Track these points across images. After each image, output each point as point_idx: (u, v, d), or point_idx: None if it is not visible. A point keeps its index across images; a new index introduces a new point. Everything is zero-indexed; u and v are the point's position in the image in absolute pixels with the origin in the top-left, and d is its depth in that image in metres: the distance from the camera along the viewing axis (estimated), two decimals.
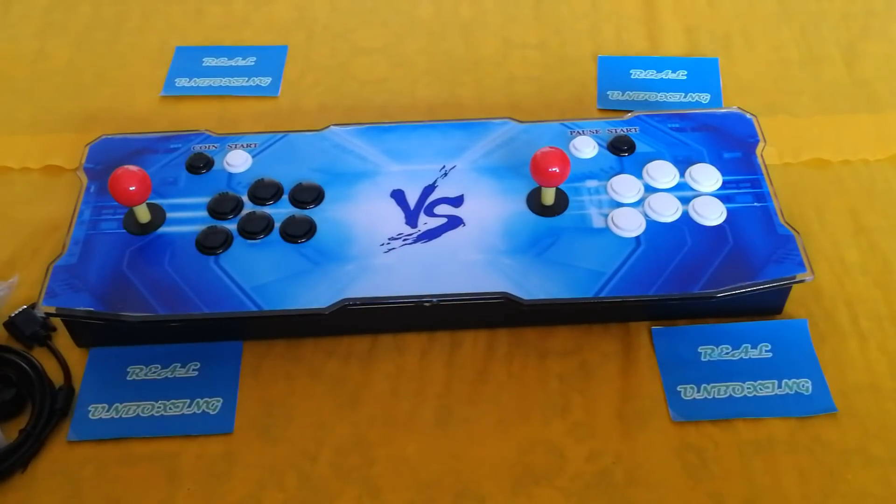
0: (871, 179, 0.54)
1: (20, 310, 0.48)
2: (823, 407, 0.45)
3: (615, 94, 0.59)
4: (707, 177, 0.49)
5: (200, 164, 0.51)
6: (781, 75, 0.60)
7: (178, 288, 0.46)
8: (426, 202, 0.49)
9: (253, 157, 0.51)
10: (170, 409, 0.46)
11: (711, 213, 0.48)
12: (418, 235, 0.48)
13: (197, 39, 0.63)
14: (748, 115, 0.53)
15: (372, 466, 0.44)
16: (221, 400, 0.46)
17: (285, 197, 0.50)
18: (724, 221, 0.48)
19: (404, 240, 0.48)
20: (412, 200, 0.49)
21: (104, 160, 0.51)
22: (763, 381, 0.46)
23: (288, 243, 0.48)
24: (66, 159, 0.56)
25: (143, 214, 0.48)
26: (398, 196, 0.49)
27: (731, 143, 0.51)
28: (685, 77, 0.60)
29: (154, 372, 0.47)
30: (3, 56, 0.63)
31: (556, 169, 0.46)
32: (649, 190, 0.49)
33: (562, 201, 0.49)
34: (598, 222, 0.48)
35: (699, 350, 0.47)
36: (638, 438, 0.44)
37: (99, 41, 0.64)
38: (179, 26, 0.64)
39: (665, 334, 0.47)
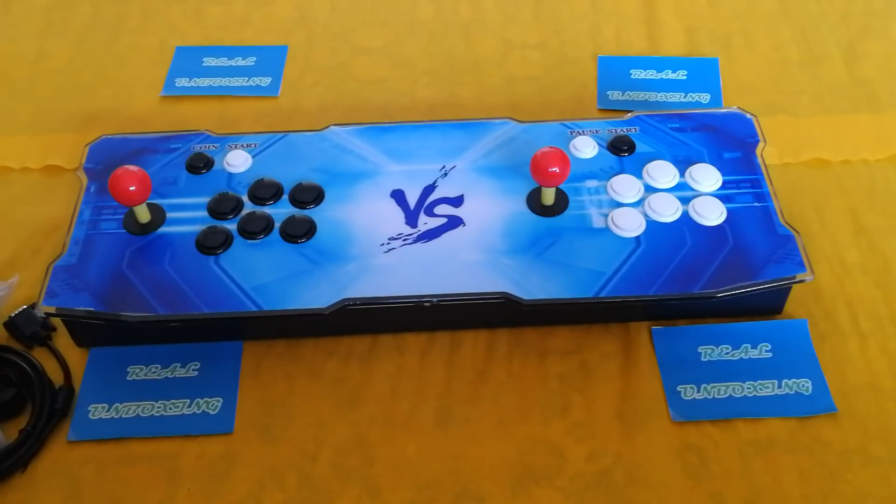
0: (871, 179, 0.54)
1: (20, 310, 0.48)
2: (823, 407, 0.45)
3: (615, 94, 0.59)
4: (707, 177, 0.49)
5: (200, 164, 0.51)
6: (781, 75, 0.60)
7: (178, 288, 0.46)
8: (426, 202, 0.49)
9: (253, 157, 0.51)
10: (170, 409, 0.46)
11: (711, 213, 0.48)
12: (418, 235, 0.48)
13: (197, 39, 0.63)
14: (748, 115, 0.53)
15: (372, 466, 0.44)
16: (221, 400, 0.46)
17: (285, 197, 0.50)
18: (724, 221, 0.48)
19: (404, 240, 0.48)
20: (412, 200, 0.49)
21: (104, 160, 0.51)
22: (763, 381, 0.46)
23: (288, 243, 0.48)
24: (66, 159, 0.56)
25: (143, 214, 0.48)
26: (398, 196, 0.49)
27: (731, 143, 0.51)
28: (685, 77, 0.60)
29: (154, 372, 0.47)
30: (3, 56, 0.63)
31: (556, 169, 0.46)
32: (649, 190, 0.49)
33: (562, 201, 0.49)
34: (598, 222, 0.48)
35: (699, 350, 0.47)
36: (638, 438, 0.44)
37: (99, 41, 0.64)
38: (179, 26, 0.64)
39: (665, 334, 0.47)
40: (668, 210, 0.48)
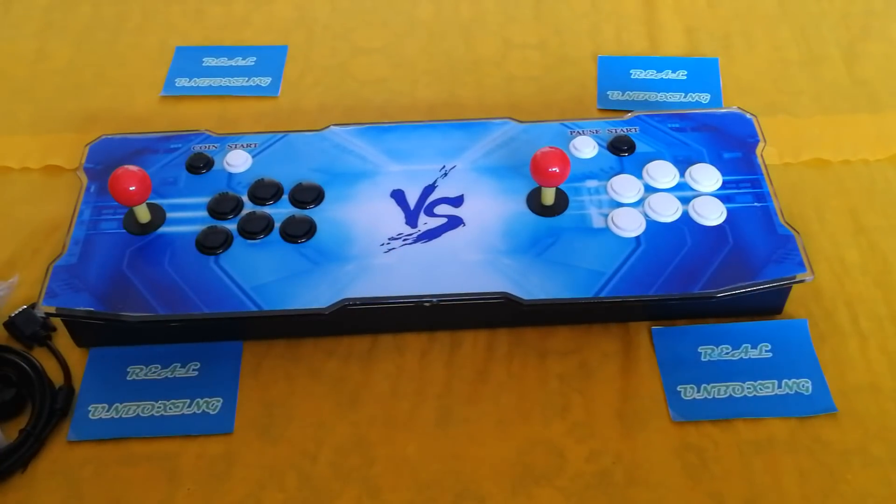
0: (871, 179, 0.54)
1: (20, 310, 0.48)
2: (823, 407, 0.45)
3: (615, 94, 0.59)
4: (707, 177, 0.49)
5: (200, 164, 0.51)
6: (781, 75, 0.60)
7: (178, 288, 0.46)
8: (426, 202, 0.49)
9: (253, 157, 0.51)
10: (170, 409, 0.46)
11: (711, 213, 0.48)
12: (418, 235, 0.48)
13: (197, 39, 0.63)
14: (748, 115, 0.53)
15: (372, 466, 0.44)
16: (221, 400, 0.46)
17: (285, 197, 0.50)
18: (724, 221, 0.48)
19: (404, 240, 0.48)
20: (412, 200, 0.49)
21: (104, 160, 0.51)
22: (763, 381, 0.45)
23: (288, 243, 0.48)
24: (66, 159, 0.56)
25: (143, 214, 0.48)
26: (398, 196, 0.49)
27: (731, 143, 0.51)
28: (685, 77, 0.60)
29: (154, 372, 0.47)
30: (3, 56, 0.63)
31: (556, 169, 0.46)
32: (649, 190, 0.49)
33: (562, 201, 0.49)
34: (598, 222, 0.48)
35: (699, 350, 0.47)
36: (638, 438, 0.44)
37: (99, 41, 0.64)
38: (179, 26, 0.64)
39: (665, 334, 0.47)
40: (668, 210, 0.48)
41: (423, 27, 0.64)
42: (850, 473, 0.43)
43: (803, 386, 0.45)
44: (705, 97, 0.59)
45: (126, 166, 0.47)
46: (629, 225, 0.47)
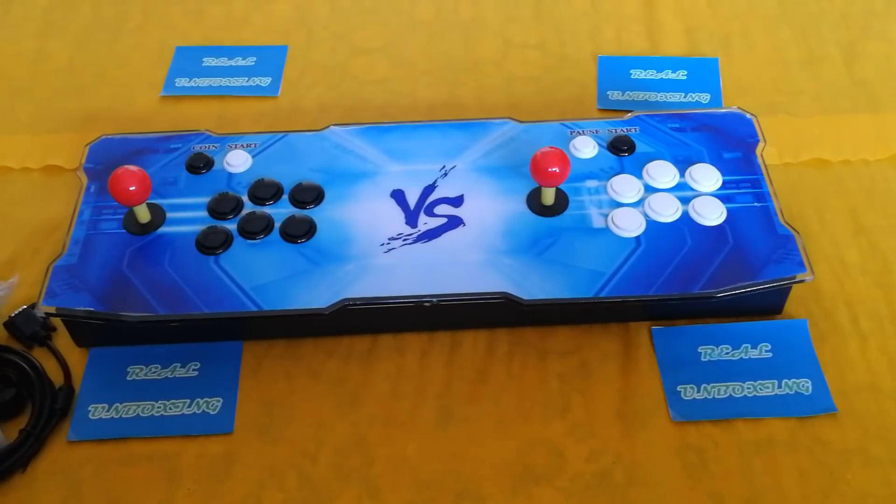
0: (871, 179, 0.54)
1: (20, 310, 0.48)
2: (823, 407, 0.45)
3: (615, 94, 0.59)
4: (707, 177, 0.49)
5: (200, 164, 0.51)
6: (781, 75, 0.60)
7: (178, 288, 0.46)
8: (426, 202, 0.49)
9: (253, 157, 0.51)
10: (170, 409, 0.46)
11: (711, 213, 0.48)
12: (418, 235, 0.48)
13: (197, 39, 0.63)
14: (748, 115, 0.53)
15: (372, 466, 0.44)
16: (221, 400, 0.46)
17: (285, 197, 0.50)
18: (724, 221, 0.48)
19: (404, 240, 0.48)
20: (412, 200, 0.49)
21: (104, 160, 0.51)
22: (763, 381, 0.45)
23: (288, 243, 0.48)
24: (66, 159, 0.56)
25: (143, 214, 0.48)
26: (398, 196, 0.49)
27: (731, 143, 0.51)
28: (685, 77, 0.60)
29: (154, 372, 0.47)
30: (3, 56, 0.63)
31: (556, 169, 0.46)
32: (649, 190, 0.49)
33: (562, 201, 0.49)
34: (598, 222, 0.48)
35: (699, 350, 0.47)
36: (638, 438, 0.44)
37: (99, 41, 0.64)
38: (179, 26, 0.64)
39: (665, 334, 0.47)
40: (668, 210, 0.48)
41: (423, 27, 0.64)
42: (850, 473, 0.43)
43: (803, 386, 0.45)
44: (705, 97, 0.59)
45: (126, 166, 0.47)
46: (629, 225, 0.47)
